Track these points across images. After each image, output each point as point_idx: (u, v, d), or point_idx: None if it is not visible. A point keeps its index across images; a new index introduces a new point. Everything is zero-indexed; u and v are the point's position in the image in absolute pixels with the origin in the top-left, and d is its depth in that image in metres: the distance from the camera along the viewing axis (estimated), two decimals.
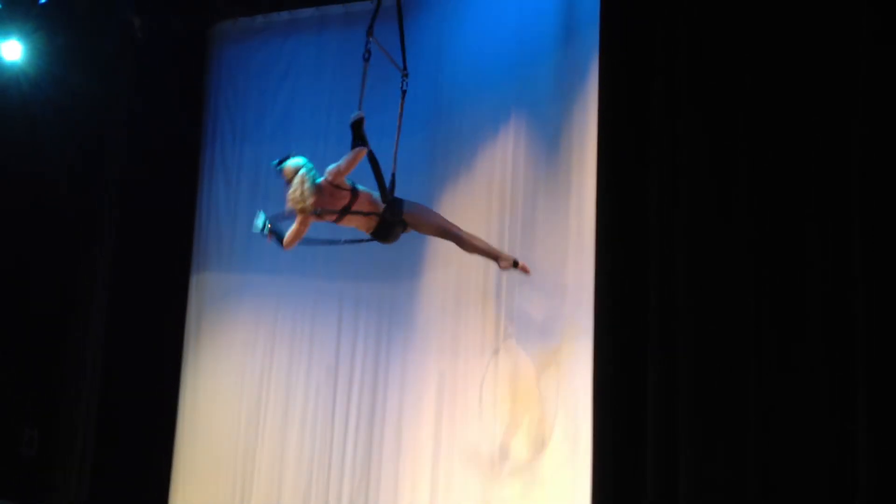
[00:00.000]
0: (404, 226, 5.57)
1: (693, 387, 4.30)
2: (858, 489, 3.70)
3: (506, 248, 6.15)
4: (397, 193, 5.55)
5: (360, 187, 5.51)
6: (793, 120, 4.22)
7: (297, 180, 5.41)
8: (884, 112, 3.85)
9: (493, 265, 6.16)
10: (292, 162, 5.49)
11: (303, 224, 5.47)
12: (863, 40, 3.94)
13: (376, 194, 5.52)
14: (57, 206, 7.83)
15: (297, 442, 7.55)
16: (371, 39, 5.55)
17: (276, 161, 5.58)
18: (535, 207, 6.15)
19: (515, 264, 5.70)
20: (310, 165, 5.49)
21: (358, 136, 5.27)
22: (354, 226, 5.58)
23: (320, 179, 5.41)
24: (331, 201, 5.42)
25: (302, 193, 5.38)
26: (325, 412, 7.49)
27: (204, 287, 8.18)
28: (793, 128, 4.21)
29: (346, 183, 5.44)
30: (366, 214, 5.47)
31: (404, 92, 5.79)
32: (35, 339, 7.84)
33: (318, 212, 5.40)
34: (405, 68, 5.80)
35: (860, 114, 3.90)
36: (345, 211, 5.44)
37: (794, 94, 4.23)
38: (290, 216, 5.52)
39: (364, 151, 5.29)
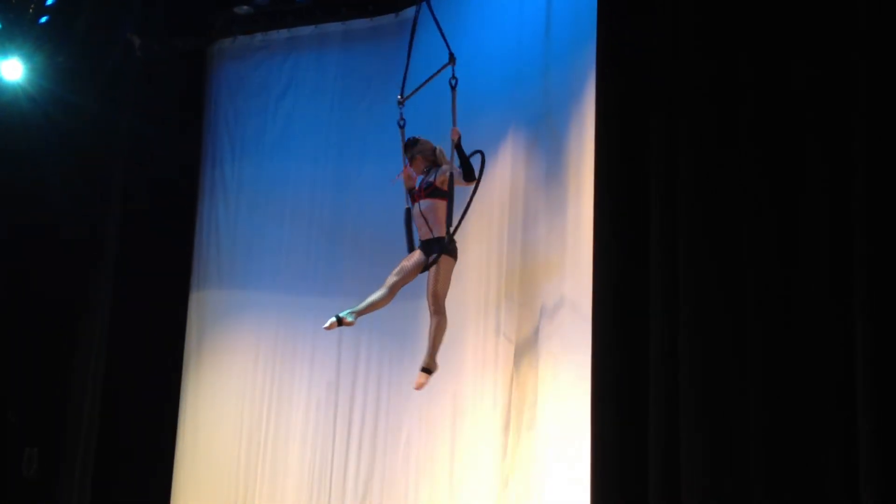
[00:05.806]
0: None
1: (695, 400, 4.27)
2: (861, 492, 3.67)
3: (504, 265, 6.17)
4: None
5: None
6: (798, 130, 4.17)
7: None
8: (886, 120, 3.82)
9: (493, 285, 6.24)
10: None
11: None
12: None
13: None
14: (58, 225, 7.85)
15: (297, 460, 7.54)
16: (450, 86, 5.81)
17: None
18: (536, 223, 6.15)
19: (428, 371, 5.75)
20: None
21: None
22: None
23: None
24: None
25: None
26: (325, 430, 7.49)
27: (204, 305, 8.18)
28: (797, 138, 4.17)
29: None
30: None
31: (454, 86, 5.78)
32: (36, 358, 7.84)
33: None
34: (451, 55, 5.79)
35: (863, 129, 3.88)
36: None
37: (799, 101, 4.19)
38: None
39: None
